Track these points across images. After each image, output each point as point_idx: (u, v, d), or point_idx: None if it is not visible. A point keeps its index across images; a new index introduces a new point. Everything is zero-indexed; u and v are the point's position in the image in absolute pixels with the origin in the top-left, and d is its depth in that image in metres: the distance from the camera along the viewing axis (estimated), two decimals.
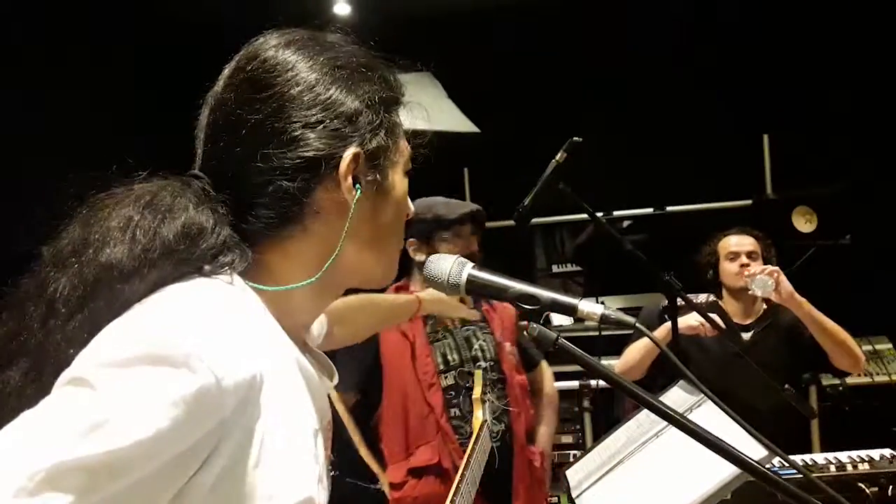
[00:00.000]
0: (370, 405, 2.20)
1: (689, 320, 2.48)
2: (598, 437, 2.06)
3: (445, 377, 2.19)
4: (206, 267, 0.74)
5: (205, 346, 0.66)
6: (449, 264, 0.99)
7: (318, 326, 1.12)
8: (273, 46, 0.81)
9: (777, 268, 2.51)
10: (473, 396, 2.05)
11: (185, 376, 0.64)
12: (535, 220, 3.73)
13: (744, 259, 2.69)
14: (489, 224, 4.23)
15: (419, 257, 2.21)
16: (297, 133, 0.78)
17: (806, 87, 4.11)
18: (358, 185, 0.80)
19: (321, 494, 0.75)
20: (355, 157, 0.79)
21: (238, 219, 0.78)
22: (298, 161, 0.78)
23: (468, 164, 4.47)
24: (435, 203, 2.28)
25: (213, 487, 0.67)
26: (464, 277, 0.98)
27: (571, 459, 2.08)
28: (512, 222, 2.13)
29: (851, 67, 4.10)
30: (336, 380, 0.91)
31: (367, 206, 0.81)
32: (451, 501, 1.58)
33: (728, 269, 2.73)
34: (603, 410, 3.85)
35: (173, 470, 0.64)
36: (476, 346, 2.26)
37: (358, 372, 2.15)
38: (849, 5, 3.99)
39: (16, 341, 0.72)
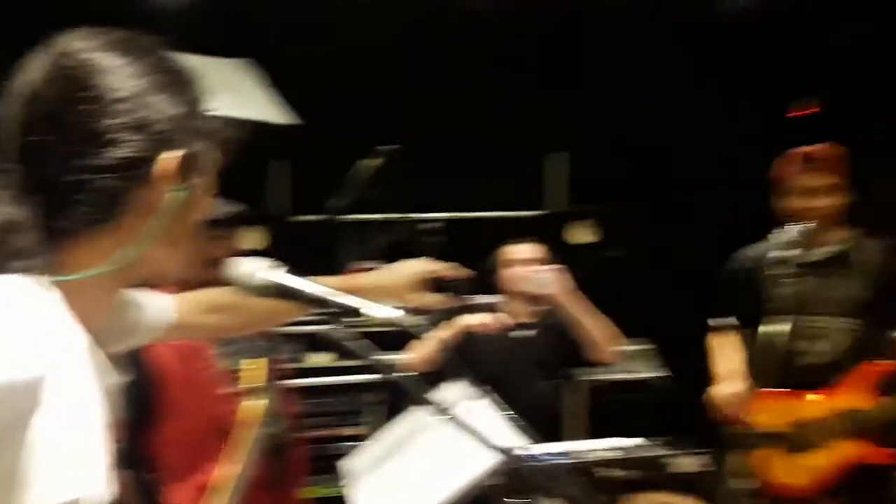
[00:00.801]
0: (138, 424, 1.93)
1: (473, 319, 2.72)
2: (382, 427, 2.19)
3: (233, 384, 2.08)
4: (13, 263, 0.75)
5: None
6: (250, 266, 1.06)
7: (156, 315, 1.14)
8: (94, 48, 0.82)
9: (554, 266, 2.80)
10: (258, 384, 2.02)
11: None
12: (345, 217, 3.81)
13: (526, 265, 2.96)
14: (303, 217, 4.24)
15: None
16: (116, 134, 0.79)
17: (590, 107, 4.53)
18: (172, 187, 0.83)
19: (109, 488, 0.77)
20: (171, 159, 0.83)
21: (51, 214, 0.78)
22: (116, 161, 0.79)
23: (286, 157, 4.43)
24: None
25: (2, 481, 0.68)
26: (263, 279, 1.05)
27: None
28: (324, 217, 2.17)
29: (634, 88, 4.56)
30: (118, 378, 0.92)
31: (176, 205, 0.85)
32: (236, 485, 1.61)
33: (511, 274, 2.99)
34: (386, 404, 4.03)
35: None
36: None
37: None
38: (619, 26, 4.36)
39: None
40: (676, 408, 4.42)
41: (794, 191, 2.58)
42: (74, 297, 0.79)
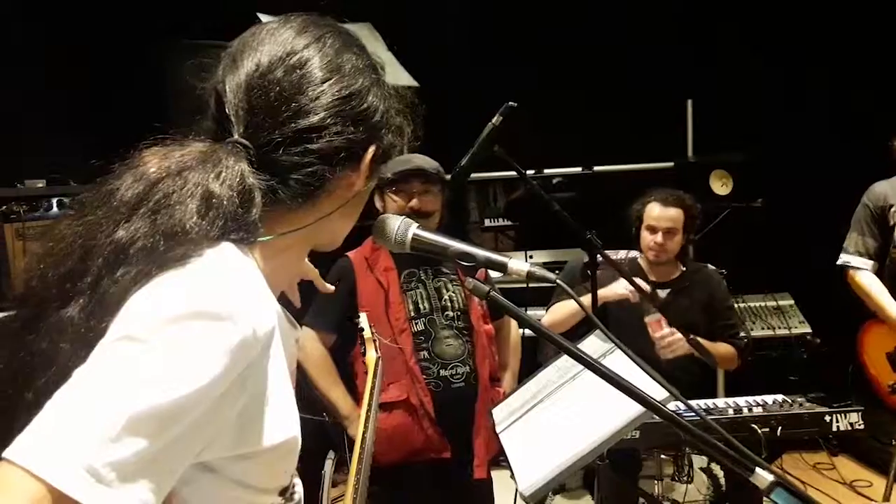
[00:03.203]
0: (346, 345, 2.38)
1: (617, 288, 2.66)
2: (524, 379, 2.23)
3: (416, 323, 2.36)
4: (237, 233, 0.81)
5: (240, 302, 0.75)
6: (396, 224, 1.10)
7: None
8: (312, 44, 0.89)
9: (673, 332, 2.59)
10: (365, 336, 2.15)
11: (229, 329, 0.72)
12: (470, 176, 3.83)
13: (659, 238, 2.84)
14: None
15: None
16: (331, 124, 0.87)
17: (727, 55, 4.31)
18: (367, 175, 0.92)
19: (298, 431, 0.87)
20: (377, 150, 0.92)
21: (270, 190, 0.85)
22: (331, 150, 0.87)
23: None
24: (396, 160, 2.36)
25: (238, 418, 0.76)
26: (409, 236, 1.09)
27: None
28: (448, 177, 2.23)
29: (770, 38, 4.31)
30: (299, 332, 1.01)
31: (368, 190, 0.95)
32: (362, 425, 1.76)
33: (646, 239, 2.89)
34: (529, 355, 4.07)
35: (216, 409, 0.73)
36: (446, 297, 2.41)
37: (338, 315, 2.33)
38: None
39: (80, 281, 0.76)
40: (824, 363, 4.22)
41: None
42: (265, 262, 0.87)
